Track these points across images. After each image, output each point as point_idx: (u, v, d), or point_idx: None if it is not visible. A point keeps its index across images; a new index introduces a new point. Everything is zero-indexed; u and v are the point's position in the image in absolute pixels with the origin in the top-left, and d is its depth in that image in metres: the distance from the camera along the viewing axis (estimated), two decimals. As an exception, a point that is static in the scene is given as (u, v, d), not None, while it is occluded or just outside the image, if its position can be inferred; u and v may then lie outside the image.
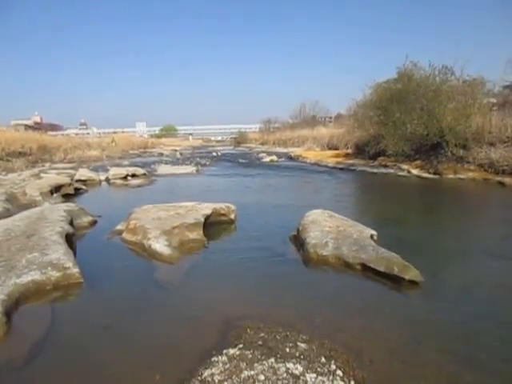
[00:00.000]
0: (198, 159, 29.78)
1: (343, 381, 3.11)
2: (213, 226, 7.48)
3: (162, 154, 38.92)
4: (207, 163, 26.36)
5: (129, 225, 6.75)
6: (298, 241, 6.24)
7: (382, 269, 4.94)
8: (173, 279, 5.04)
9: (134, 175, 16.78)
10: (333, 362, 3.29)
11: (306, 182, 16.10)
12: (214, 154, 38.07)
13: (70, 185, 12.37)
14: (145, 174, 17.37)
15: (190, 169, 20.72)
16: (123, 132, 70.71)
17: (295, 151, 33.15)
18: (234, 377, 3.11)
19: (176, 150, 44.81)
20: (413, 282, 4.70)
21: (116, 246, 6.44)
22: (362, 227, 6.22)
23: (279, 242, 6.54)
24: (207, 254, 6.07)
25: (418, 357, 3.42)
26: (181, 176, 18.31)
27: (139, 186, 14.70)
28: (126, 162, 25.56)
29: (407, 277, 4.74)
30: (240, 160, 29.06)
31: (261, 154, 34.09)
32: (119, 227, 7.14)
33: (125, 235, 6.65)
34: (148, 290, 4.72)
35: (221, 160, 29.83)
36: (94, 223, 7.92)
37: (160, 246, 5.95)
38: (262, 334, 3.66)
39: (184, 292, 4.69)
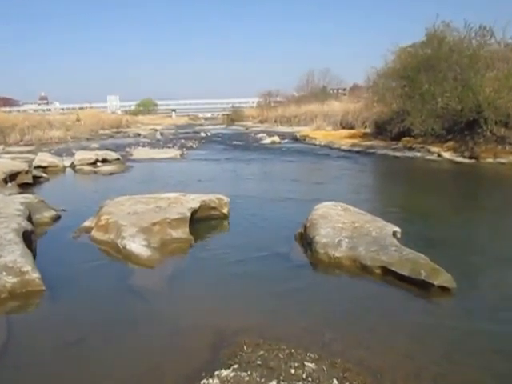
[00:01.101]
0: (182, 141, 29.72)
1: (359, 408, 3.13)
2: (201, 222, 7.46)
3: (138, 135, 38.84)
4: (194, 146, 26.32)
5: (99, 221, 6.73)
6: (305, 240, 6.25)
7: (406, 273, 4.95)
8: (153, 286, 5.04)
9: (105, 160, 16.73)
10: (347, 385, 3.29)
11: (315, 168, 16.11)
12: (203, 134, 37.99)
13: (27, 172, 12.31)
14: (118, 159, 17.33)
15: (173, 153, 20.74)
16: (91, 108, 70.38)
17: (302, 131, 33.15)
18: (227, 403, 3.12)
19: (156, 130, 44.71)
20: (443, 289, 4.72)
21: (84, 246, 6.44)
22: (383, 223, 6.22)
23: (282, 241, 6.55)
24: (194, 257, 6.06)
25: (450, 379, 3.44)
26: (162, 161, 18.29)
27: (111, 173, 14.71)
28: (95, 145, 25.54)
29: (437, 282, 4.75)
30: (234, 142, 29.02)
31: (260, 135, 34.06)
32: (88, 224, 7.13)
33: (94, 233, 6.64)
34: (122, 300, 4.72)
35: (211, 142, 29.79)
36: (56, 219, 7.92)
37: (137, 246, 5.95)
38: (262, 352, 3.66)
39: (166, 302, 4.69)
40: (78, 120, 40.29)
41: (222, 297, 4.75)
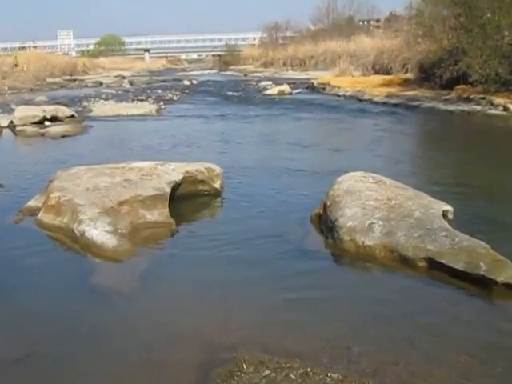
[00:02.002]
0: (159, 92, 29.53)
1: None
2: (185, 200, 7.47)
3: (100, 84, 38.59)
4: (175, 98, 26.13)
5: (48, 199, 6.72)
6: (325, 224, 6.25)
7: (460, 266, 4.94)
8: (121, 286, 5.06)
9: (55, 119, 16.63)
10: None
11: (338, 128, 16.02)
12: (187, 82, 37.63)
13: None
14: (73, 117, 17.26)
15: (147, 108, 20.69)
16: (36, 48, 69.70)
17: (320, 77, 32.86)
18: None
19: (123, 78, 44.43)
20: (510, 287, 4.72)
21: (28, 233, 6.44)
22: (430, 200, 6.21)
23: (293, 226, 6.55)
24: (176, 247, 6.08)
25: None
26: (132, 119, 18.26)
27: (64, 135, 14.67)
28: (41, 98, 25.39)
29: (501, 278, 4.73)
30: (229, 93, 28.81)
31: (263, 83, 33.81)
32: (33, 203, 7.13)
33: (42, 216, 6.64)
34: (81, 305, 4.74)
35: (197, 93, 29.57)
36: (-9, 197, 7.93)
37: (99, 233, 5.95)
38: (267, 372, 3.68)
39: (139, 306, 4.71)
40: (17, 65, 39.93)
41: (213, 299, 4.76)
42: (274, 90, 28.26)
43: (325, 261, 5.63)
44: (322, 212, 6.48)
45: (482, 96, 18.50)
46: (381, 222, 5.66)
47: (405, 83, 24.71)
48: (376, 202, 6.05)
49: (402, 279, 5.15)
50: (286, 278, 5.19)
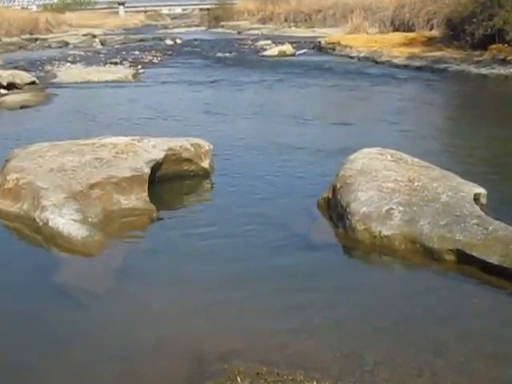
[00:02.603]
0: (136, 53, 29.33)
1: None
2: (168, 183, 7.49)
3: (66, 44, 38.28)
4: (155, 61, 25.97)
5: (4, 182, 6.69)
6: (334, 210, 6.26)
7: (494, 260, 4.95)
8: (93, 286, 5.05)
9: (12, 86, 16.55)
10: None
11: (349, 96, 15.95)
12: (169, 42, 37.40)
13: None
14: (34, 84, 17.18)
15: (122, 72, 20.58)
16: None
17: (329, 35, 32.63)
18: None
19: (94, 36, 44.04)
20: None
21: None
22: (459, 181, 6.22)
23: (297, 212, 6.57)
24: (158, 238, 6.08)
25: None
26: (104, 86, 18.16)
27: (23, 106, 14.57)
28: (-5, 61, 25.19)
29: (544, 275, 4.75)
30: (219, 54, 28.64)
31: (261, 42, 33.58)
32: (-14, 187, 7.10)
33: (-3, 202, 6.62)
34: (43, 307, 4.73)
35: (182, 54, 29.37)
36: None
37: (66, 222, 5.93)
38: (266, 386, 3.69)
39: (114, 310, 4.71)
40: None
41: (201, 301, 4.75)
42: (273, 51, 28.07)
43: (334, 255, 5.64)
44: (330, 196, 6.48)
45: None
46: (401, 208, 5.66)
47: (430, 42, 24.53)
48: (395, 183, 6.04)
49: (426, 275, 5.16)
50: (287, 275, 5.19)
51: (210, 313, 4.59)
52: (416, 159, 6.83)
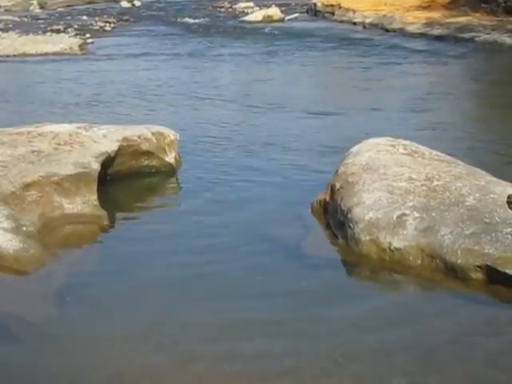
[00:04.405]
0: (84, 18, 29.15)
1: None
2: (123, 182, 7.48)
3: (-4, 7, 38.09)
4: (107, 28, 25.81)
5: None
6: (333, 215, 6.26)
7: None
8: (28, 313, 5.00)
9: None
10: None
11: (352, 74, 15.97)
12: (125, 4, 37.11)
13: None
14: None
15: (66, 42, 20.52)
16: None
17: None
18: None
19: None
20: None
21: None
22: (489, 179, 6.22)
23: (287, 219, 6.57)
24: (109, 252, 6.09)
25: None
26: (43, 60, 18.06)
27: None
28: None
29: None
30: (188, 19, 28.49)
31: (241, 5, 33.42)
32: None
33: None
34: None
35: (141, 19, 29.26)
36: None
37: (-6, 231, 5.91)
38: None
39: (57, 346, 4.66)
40: None
41: (166, 334, 4.73)
42: (256, 16, 28.01)
43: (332, 273, 5.61)
44: (328, 199, 6.46)
45: None
46: (416, 214, 5.65)
47: (452, 5, 24.60)
48: (409, 182, 6.04)
49: (448, 298, 5.16)
50: (272, 302, 5.13)
51: (178, 349, 4.56)
52: (435, 152, 6.82)
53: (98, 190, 6.71)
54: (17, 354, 4.55)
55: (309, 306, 5.07)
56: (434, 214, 5.63)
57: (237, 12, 31.10)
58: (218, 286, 5.41)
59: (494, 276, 5.13)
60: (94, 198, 6.62)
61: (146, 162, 7.76)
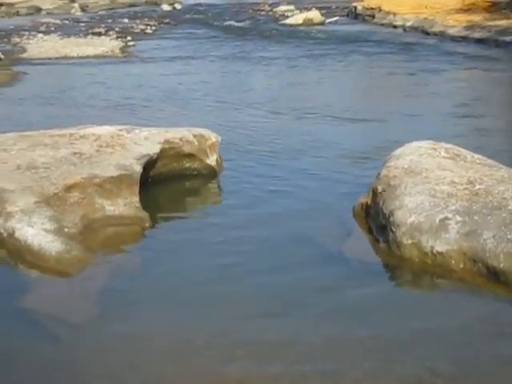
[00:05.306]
0: (125, 21, 29.37)
1: None
2: (164, 184, 7.47)
3: (38, 10, 38.41)
4: (148, 31, 25.94)
5: (-40, 182, 6.69)
6: (374, 219, 6.24)
7: None
8: (69, 314, 5.01)
9: (-30, 62, 16.63)
10: None
11: (393, 78, 15.87)
12: (167, 7, 37.32)
13: None
14: (-2, 60, 17.26)
15: (107, 45, 20.68)
16: None
17: (366, 0, 32.53)
18: None
19: (73, 1, 44.20)
20: None
21: None
22: (533, 183, 6.13)
23: (328, 222, 6.56)
24: (151, 254, 6.06)
25: None
26: (85, 63, 18.19)
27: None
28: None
29: None
30: (229, 22, 28.58)
31: (281, 8, 33.49)
32: None
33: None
34: (8, 339, 4.71)
35: (182, 22, 29.38)
36: None
37: (36, 233, 5.90)
38: None
39: (98, 345, 4.67)
40: None
41: (209, 337, 4.70)
42: (297, 19, 28.03)
43: (374, 277, 5.57)
44: (370, 202, 6.43)
45: None
46: (459, 218, 5.59)
47: (494, 8, 24.42)
48: (452, 186, 5.99)
49: (491, 303, 5.10)
50: (315, 304, 5.13)
51: (220, 352, 4.53)
52: (477, 156, 6.77)
53: (140, 192, 6.72)
54: (58, 354, 4.58)
55: (348, 306, 5.07)
56: (476, 218, 5.57)
57: (277, 15, 31.18)
58: (259, 290, 5.39)
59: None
60: (135, 199, 6.63)
61: (187, 165, 7.76)
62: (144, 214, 6.55)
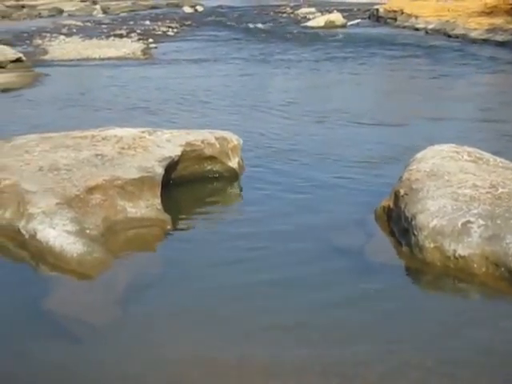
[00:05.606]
0: (147, 23, 29.46)
1: None
2: (186, 186, 7.48)
3: (60, 12, 38.60)
4: (170, 33, 26.02)
5: (-18, 183, 6.71)
6: (396, 222, 6.22)
7: None
8: (91, 316, 5.02)
9: (-7, 64, 16.68)
10: None
11: (415, 81, 15.81)
12: (188, 9, 37.39)
13: None
14: (20, 61, 17.22)
15: (129, 47, 20.73)
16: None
17: (389, 1, 32.40)
18: None
19: (94, 3, 44.35)
20: None
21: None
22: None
23: (350, 225, 6.55)
24: (173, 256, 6.07)
25: None
26: (106, 65, 18.30)
27: (7, 88, 14.77)
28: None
29: None
30: (251, 25, 28.62)
31: (303, 10, 33.50)
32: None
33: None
34: (29, 341, 4.71)
35: (204, 25, 29.44)
36: None
37: (58, 234, 5.92)
38: None
39: (119, 348, 4.69)
40: None
41: (228, 338, 4.72)
42: (318, 22, 28.00)
43: (396, 280, 5.57)
44: (391, 205, 6.42)
45: None
46: (481, 221, 5.57)
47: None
48: (474, 189, 5.96)
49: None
50: (338, 307, 5.12)
51: (237, 348, 4.56)
52: (500, 159, 6.74)
53: (161, 194, 6.73)
54: (80, 356, 4.60)
55: (370, 309, 5.08)
56: (499, 222, 5.54)
57: (299, 17, 31.15)
58: (282, 292, 5.39)
59: None
60: (157, 202, 6.64)
61: (209, 167, 7.77)
62: (165, 216, 6.56)
